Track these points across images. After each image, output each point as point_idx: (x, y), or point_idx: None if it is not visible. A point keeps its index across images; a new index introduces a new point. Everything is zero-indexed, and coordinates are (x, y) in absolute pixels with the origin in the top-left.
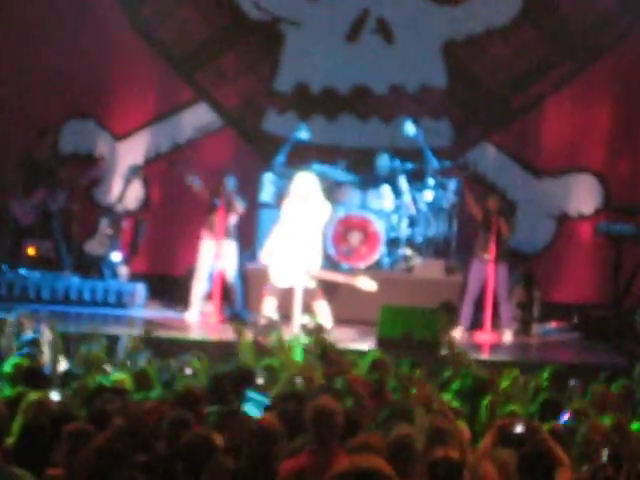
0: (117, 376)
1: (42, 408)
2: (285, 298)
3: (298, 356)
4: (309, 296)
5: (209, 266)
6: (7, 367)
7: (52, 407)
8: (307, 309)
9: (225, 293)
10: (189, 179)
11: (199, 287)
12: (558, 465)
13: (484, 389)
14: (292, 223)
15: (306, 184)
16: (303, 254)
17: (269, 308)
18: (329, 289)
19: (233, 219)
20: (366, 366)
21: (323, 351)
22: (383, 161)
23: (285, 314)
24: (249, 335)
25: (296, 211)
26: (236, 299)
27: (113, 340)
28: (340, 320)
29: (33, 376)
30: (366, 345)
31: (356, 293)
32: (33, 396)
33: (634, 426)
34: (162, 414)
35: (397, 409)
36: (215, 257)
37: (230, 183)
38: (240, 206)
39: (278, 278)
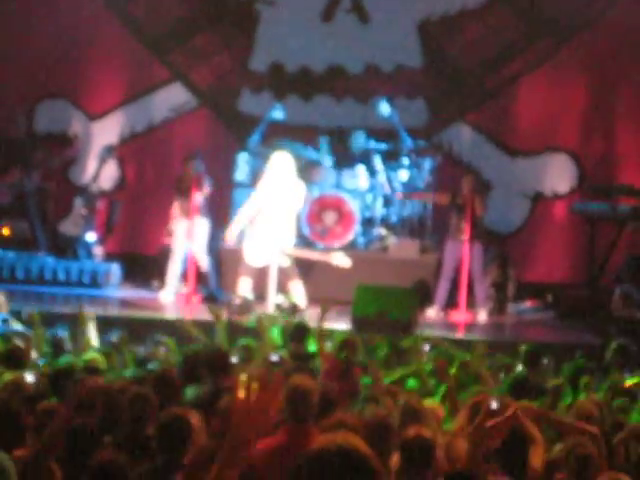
0: (90, 355)
1: (16, 389)
2: (260, 278)
3: (275, 336)
4: (284, 276)
5: (183, 246)
6: None
7: (26, 388)
8: (282, 289)
9: (199, 273)
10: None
11: (174, 267)
12: (532, 442)
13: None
14: (267, 202)
15: (282, 163)
16: (278, 233)
17: (244, 288)
18: (304, 268)
19: (202, 199)
20: (335, 346)
21: (296, 331)
22: (359, 139)
23: (260, 294)
24: (224, 316)
25: (271, 190)
26: (210, 279)
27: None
28: (315, 299)
29: (9, 357)
30: (341, 325)
31: (331, 273)
32: (7, 377)
33: (633, 417)
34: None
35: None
36: (188, 237)
37: (198, 164)
38: (206, 186)
39: (252, 257)
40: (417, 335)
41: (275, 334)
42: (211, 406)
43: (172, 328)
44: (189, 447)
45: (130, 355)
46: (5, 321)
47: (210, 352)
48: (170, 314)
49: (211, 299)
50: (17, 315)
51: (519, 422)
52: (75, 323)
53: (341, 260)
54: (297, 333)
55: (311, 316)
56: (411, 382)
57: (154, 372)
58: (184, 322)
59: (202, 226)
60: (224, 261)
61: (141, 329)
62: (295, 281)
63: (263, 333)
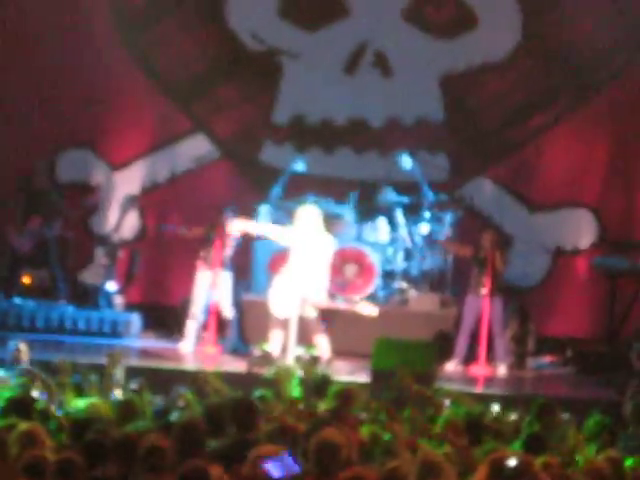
0: (90, 402)
1: (34, 439)
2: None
3: (295, 389)
4: (310, 329)
5: (205, 297)
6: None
7: (44, 438)
8: (307, 342)
9: (221, 324)
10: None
11: (194, 318)
12: None
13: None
14: (294, 254)
15: (308, 216)
16: (304, 284)
17: (275, 341)
18: (324, 322)
19: (228, 250)
20: (330, 397)
21: (318, 385)
22: (386, 194)
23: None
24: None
25: (300, 243)
26: (232, 331)
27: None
28: (336, 353)
29: (25, 407)
30: (361, 378)
31: (350, 326)
32: (24, 427)
33: (627, 462)
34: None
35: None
36: (211, 288)
37: (228, 216)
38: (232, 240)
39: (278, 308)
40: (438, 388)
41: (294, 387)
42: (235, 458)
43: (191, 380)
44: None
45: (148, 406)
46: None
47: (236, 403)
48: (189, 365)
49: (233, 352)
50: (43, 365)
51: (539, 479)
52: (94, 372)
53: (367, 309)
54: (320, 387)
55: (336, 369)
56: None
57: (179, 423)
58: (206, 374)
59: (225, 278)
60: (245, 312)
61: (160, 380)
62: (320, 335)
63: (281, 386)
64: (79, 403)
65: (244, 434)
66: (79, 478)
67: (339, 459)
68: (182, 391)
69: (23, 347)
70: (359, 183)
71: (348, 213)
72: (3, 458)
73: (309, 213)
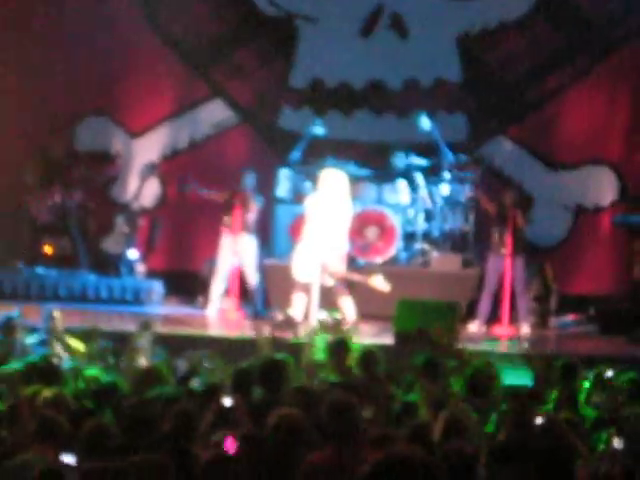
0: (91, 372)
1: (58, 404)
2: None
3: (320, 353)
4: (334, 293)
5: (228, 263)
6: (19, 365)
7: (68, 403)
8: (333, 306)
9: (243, 289)
10: (187, 187)
11: (218, 283)
12: (578, 457)
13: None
14: (316, 219)
15: (332, 180)
16: (324, 251)
17: (298, 305)
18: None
19: (251, 216)
20: (355, 359)
21: (339, 346)
22: (400, 159)
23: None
24: (267, 331)
25: (321, 207)
26: (256, 296)
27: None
28: (359, 315)
29: (46, 373)
30: (385, 340)
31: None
32: (48, 393)
33: None
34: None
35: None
36: (233, 254)
37: (249, 180)
38: (256, 204)
39: (299, 273)
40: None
41: (320, 352)
42: (261, 417)
43: (215, 344)
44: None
45: (171, 372)
46: (43, 342)
47: (266, 364)
48: (213, 331)
49: (255, 316)
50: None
51: (567, 437)
52: (119, 340)
53: (380, 284)
54: (337, 349)
55: (361, 331)
56: (456, 384)
57: (200, 388)
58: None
59: (249, 243)
60: (266, 277)
61: (184, 346)
62: (344, 297)
63: (304, 350)
64: (96, 371)
65: (272, 395)
66: (110, 446)
67: (355, 419)
68: (204, 356)
69: (57, 314)
70: (373, 145)
71: (368, 175)
72: (21, 423)
73: (333, 176)
